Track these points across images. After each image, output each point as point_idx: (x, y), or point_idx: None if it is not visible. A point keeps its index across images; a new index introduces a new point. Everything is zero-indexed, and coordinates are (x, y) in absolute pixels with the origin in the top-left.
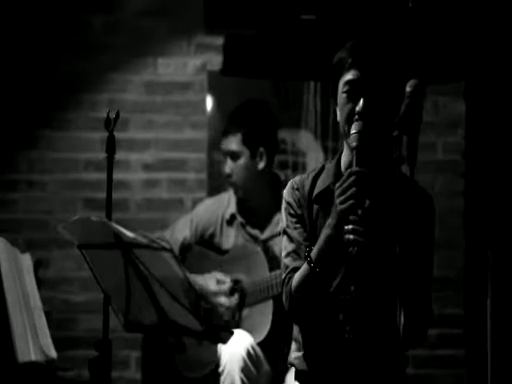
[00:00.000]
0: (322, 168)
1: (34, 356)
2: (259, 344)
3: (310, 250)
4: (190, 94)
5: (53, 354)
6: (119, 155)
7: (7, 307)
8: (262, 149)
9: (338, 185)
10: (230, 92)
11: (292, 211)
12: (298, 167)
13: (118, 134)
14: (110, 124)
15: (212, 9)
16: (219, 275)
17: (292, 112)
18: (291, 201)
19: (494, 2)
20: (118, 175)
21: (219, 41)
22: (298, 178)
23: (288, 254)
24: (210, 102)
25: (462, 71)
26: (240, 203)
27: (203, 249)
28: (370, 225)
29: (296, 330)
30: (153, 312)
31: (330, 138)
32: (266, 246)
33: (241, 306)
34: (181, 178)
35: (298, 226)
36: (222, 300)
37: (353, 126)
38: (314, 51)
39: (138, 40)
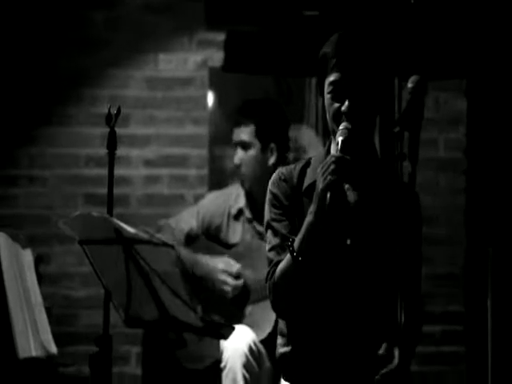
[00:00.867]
0: (309, 160)
1: (34, 352)
2: (261, 341)
3: (293, 241)
4: (192, 89)
5: (53, 349)
6: (120, 151)
7: (8, 303)
8: (273, 144)
9: (319, 169)
10: (231, 88)
11: (277, 203)
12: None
13: (119, 130)
14: (111, 120)
15: (213, 4)
16: (228, 259)
17: (294, 108)
18: (278, 192)
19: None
20: (119, 171)
21: (220, 37)
22: (284, 170)
23: (272, 248)
24: (211, 98)
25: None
26: (249, 198)
27: (209, 242)
28: (360, 220)
29: (282, 323)
30: (153, 308)
31: (332, 134)
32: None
33: (244, 302)
34: (182, 174)
35: (283, 218)
36: (228, 279)
37: (341, 126)
38: (315, 47)
39: (139, 36)
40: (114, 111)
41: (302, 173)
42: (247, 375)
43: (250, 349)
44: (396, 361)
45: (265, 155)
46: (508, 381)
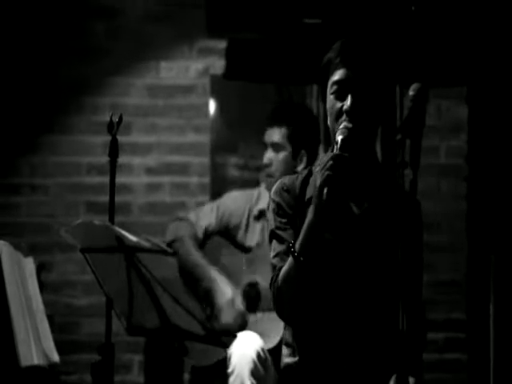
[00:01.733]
0: (310, 171)
1: (36, 360)
2: (268, 350)
3: (295, 243)
4: (193, 97)
5: (55, 357)
6: (122, 159)
7: (10, 311)
8: (303, 151)
9: (318, 168)
10: (232, 96)
11: (282, 212)
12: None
13: (120, 138)
14: (112, 128)
15: (214, 12)
16: (239, 295)
17: None
18: (281, 202)
19: (496, 7)
20: (120, 179)
21: (222, 44)
22: (286, 180)
23: (277, 255)
24: (212, 106)
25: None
26: None
27: (226, 242)
28: (366, 227)
29: (288, 333)
30: (155, 316)
31: (333, 137)
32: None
33: (254, 308)
34: (183, 182)
35: (287, 227)
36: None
37: (341, 125)
38: (317, 55)
39: (140, 44)
40: (115, 119)
41: (305, 183)
42: (254, 382)
43: (258, 355)
44: None
45: (294, 161)
46: None
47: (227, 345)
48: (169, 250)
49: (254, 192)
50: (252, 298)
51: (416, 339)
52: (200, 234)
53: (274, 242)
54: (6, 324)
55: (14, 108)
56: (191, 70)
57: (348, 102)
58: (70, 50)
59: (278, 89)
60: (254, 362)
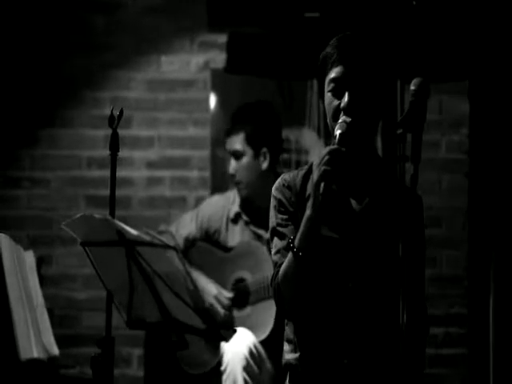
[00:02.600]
0: (311, 166)
1: (36, 353)
2: (261, 342)
3: (294, 239)
4: (194, 91)
5: (55, 351)
6: (122, 153)
7: (10, 304)
8: (265, 149)
9: (315, 161)
10: (233, 90)
11: (283, 209)
12: (301, 165)
13: (121, 132)
14: (113, 121)
15: (215, 6)
16: (222, 289)
17: (296, 110)
18: (282, 198)
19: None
20: (121, 172)
21: (223, 39)
22: (287, 176)
23: (278, 251)
24: (213, 100)
25: (466, 70)
26: (244, 202)
27: (208, 245)
28: (366, 223)
29: (289, 329)
30: (155, 309)
31: (332, 134)
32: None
33: (243, 304)
34: (184, 176)
35: (288, 223)
36: (218, 306)
37: (340, 119)
38: (317, 49)
39: (141, 38)
40: (116, 113)
41: (305, 179)
42: (248, 378)
43: (251, 352)
44: None
45: (257, 160)
46: (510, 383)
47: (226, 339)
48: (169, 243)
49: (231, 194)
50: (241, 294)
51: (418, 335)
52: (181, 243)
53: (275, 238)
54: (6, 317)
55: (15, 101)
56: (192, 64)
57: (345, 99)
58: (72, 43)
59: (279, 83)
60: (247, 359)
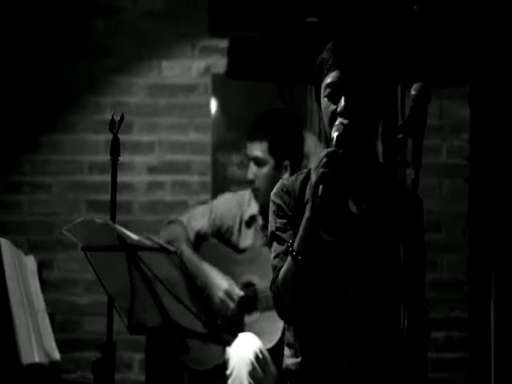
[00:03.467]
0: (310, 170)
1: (37, 358)
2: (268, 349)
3: (293, 243)
4: (195, 96)
5: (56, 355)
6: (123, 157)
7: (11, 309)
8: (287, 162)
9: (313, 164)
10: (234, 95)
11: (282, 213)
12: (301, 170)
13: (122, 137)
14: (114, 126)
15: (216, 11)
16: (233, 283)
17: (297, 115)
18: (281, 203)
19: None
20: (122, 177)
21: (223, 43)
22: (286, 181)
23: (277, 256)
24: (214, 105)
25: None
26: (262, 207)
27: (219, 243)
28: (365, 228)
29: (290, 334)
30: (156, 314)
31: (330, 139)
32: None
33: (251, 308)
34: (185, 181)
35: (287, 227)
36: (228, 301)
37: (337, 121)
38: (318, 54)
39: (142, 43)
40: (117, 118)
41: (304, 184)
42: (253, 383)
43: (256, 357)
44: None
45: (278, 172)
46: None
47: (228, 343)
48: (170, 248)
49: (246, 195)
50: (249, 299)
51: (419, 339)
52: (192, 236)
53: (275, 243)
54: (8, 322)
55: (16, 106)
56: (193, 69)
57: (342, 103)
58: (73, 48)
59: (280, 88)
60: (253, 364)
